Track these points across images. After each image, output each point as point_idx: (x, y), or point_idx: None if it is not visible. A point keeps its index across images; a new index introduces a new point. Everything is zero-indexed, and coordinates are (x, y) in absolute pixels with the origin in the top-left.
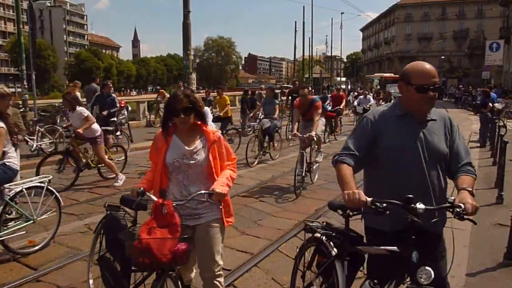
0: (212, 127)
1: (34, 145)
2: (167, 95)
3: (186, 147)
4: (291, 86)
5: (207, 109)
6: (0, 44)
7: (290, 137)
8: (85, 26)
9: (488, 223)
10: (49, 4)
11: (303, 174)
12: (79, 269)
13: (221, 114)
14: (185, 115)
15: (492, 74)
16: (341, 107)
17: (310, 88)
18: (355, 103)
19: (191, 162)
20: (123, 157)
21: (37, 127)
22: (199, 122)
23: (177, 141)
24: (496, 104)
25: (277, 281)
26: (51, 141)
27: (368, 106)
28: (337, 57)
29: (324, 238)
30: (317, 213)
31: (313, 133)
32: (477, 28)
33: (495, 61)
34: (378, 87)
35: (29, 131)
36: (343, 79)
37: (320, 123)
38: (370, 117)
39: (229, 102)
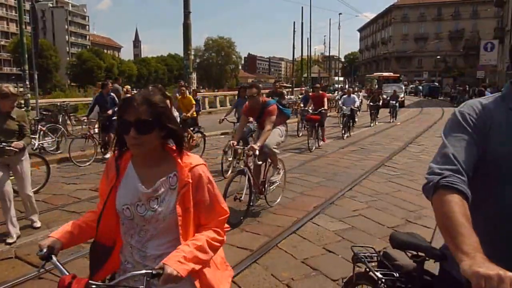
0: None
1: (36, 144)
2: (167, 95)
3: (142, 187)
4: (290, 85)
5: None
6: (3, 45)
7: (227, 149)
8: (87, 26)
9: None
10: (51, 5)
11: (241, 198)
12: (81, 266)
13: (188, 115)
14: (138, 133)
15: (486, 73)
16: (325, 107)
17: (260, 87)
18: (340, 103)
19: (149, 213)
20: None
21: (39, 126)
22: (172, 147)
23: (131, 175)
24: None
25: (276, 277)
26: (53, 140)
27: (356, 106)
28: (335, 57)
29: (382, 281)
30: (316, 210)
31: (257, 145)
32: (472, 29)
33: (490, 60)
34: (377, 86)
35: (31, 130)
36: (341, 78)
37: (276, 133)
38: (466, 111)
39: (194, 103)
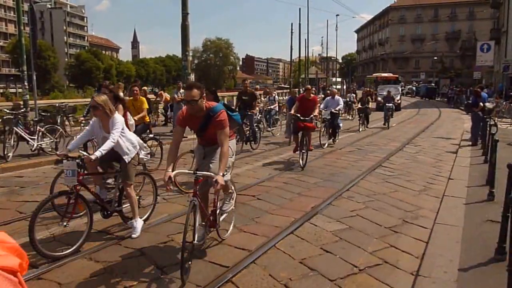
0: (132, 143)
1: (35, 145)
2: (166, 95)
3: None
4: (288, 86)
5: (117, 117)
6: (1, 45)
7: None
8: (85, 27)
9: (479, 220)
10: (49, 6)
11: (195, 241)
12: (80, 266)
13: (135, 118)
14: None
15: (483, 74)
16: (316, 114)
17: (202, 87)
18: (321, 106)
19: None
20: None
21: (38, 127)
22: None
23: None
24: (487, 104)
25: (274, 277)
26: (51, 140)
27: (336, 109)
28: (332, 58)
29: None
30: (313, 210)
31: (220, 177)
32: (469, 30)
33: (486, 61)
34: (374, 87)
35: (30, 131)
36: (339, 79)
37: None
38: None
39: (147, 106)
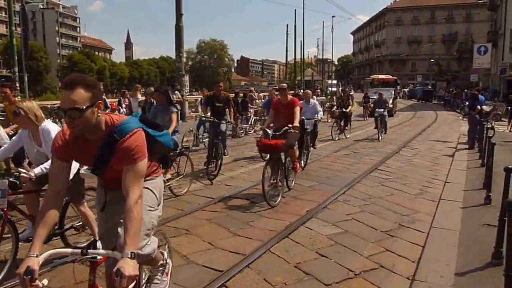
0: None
1: None
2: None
3: None
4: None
5: (49, 126)
6: None
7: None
8: (78, 28)
9: (476, 224)
10: (41, 6)
11: None
12: (71, 270)
13: (7, 130)
14: None
15: (480, 77)
16: (295, 124)
17: (99, 88)
18: None
19: None
20: None
21: None
22: None
23: None
24: (484, 107)
25: (269, 281)
26: None
27: (318, 118)
28: (328, 60)
29: None
30: (309, 214)
31: (124, 261)
32: (466, 32)
33: (483, 64)
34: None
35: None
36: (334, 81)
37: (145, 205)
38: None
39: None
